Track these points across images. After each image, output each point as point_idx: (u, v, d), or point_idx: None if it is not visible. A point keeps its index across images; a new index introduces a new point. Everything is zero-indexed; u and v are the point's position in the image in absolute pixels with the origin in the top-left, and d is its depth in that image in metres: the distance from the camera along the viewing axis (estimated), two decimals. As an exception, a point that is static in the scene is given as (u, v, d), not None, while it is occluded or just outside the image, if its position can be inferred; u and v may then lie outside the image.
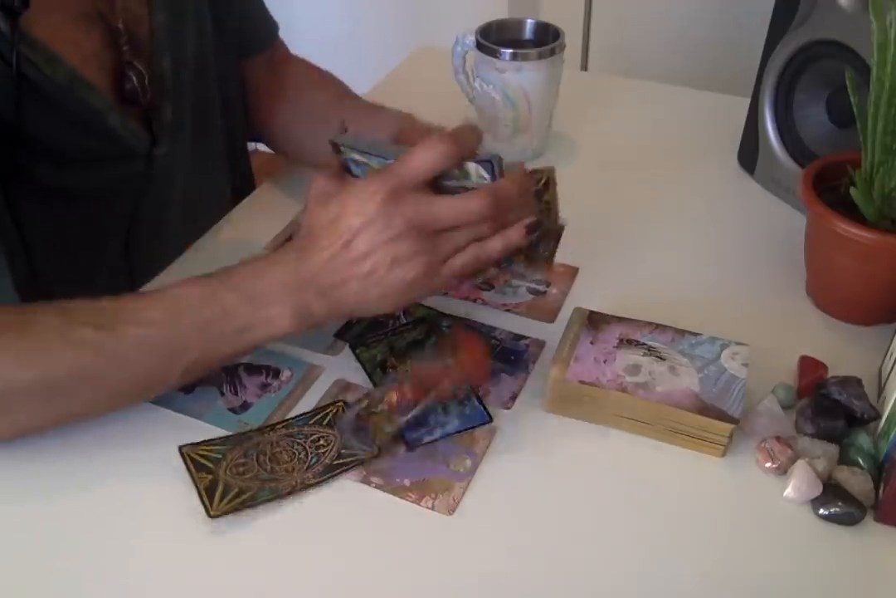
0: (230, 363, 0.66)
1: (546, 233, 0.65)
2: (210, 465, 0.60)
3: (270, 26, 0.92)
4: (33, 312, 0.59)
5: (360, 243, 0.58)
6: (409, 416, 0.61)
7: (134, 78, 0.72)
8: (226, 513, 0.57)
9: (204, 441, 0.62)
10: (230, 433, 0.63)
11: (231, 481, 0.59)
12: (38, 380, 0.57)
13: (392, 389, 0.62)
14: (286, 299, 0.60)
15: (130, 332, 0.58)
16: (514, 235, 0.60)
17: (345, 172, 0.63)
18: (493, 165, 0.58)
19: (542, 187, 0.64)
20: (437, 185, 0.59)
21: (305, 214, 0.61)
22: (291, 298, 0.60)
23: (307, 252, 0.60)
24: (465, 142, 0.58)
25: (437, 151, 0.57)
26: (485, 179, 0.59)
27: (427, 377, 0.63)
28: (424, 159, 0.57)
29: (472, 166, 0.59)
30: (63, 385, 0.58)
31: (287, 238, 0.82)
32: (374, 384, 0.67)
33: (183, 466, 0.61)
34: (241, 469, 0.60)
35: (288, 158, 0.93)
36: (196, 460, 0.61)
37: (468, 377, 0.63)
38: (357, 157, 0.61)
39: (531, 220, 0.61)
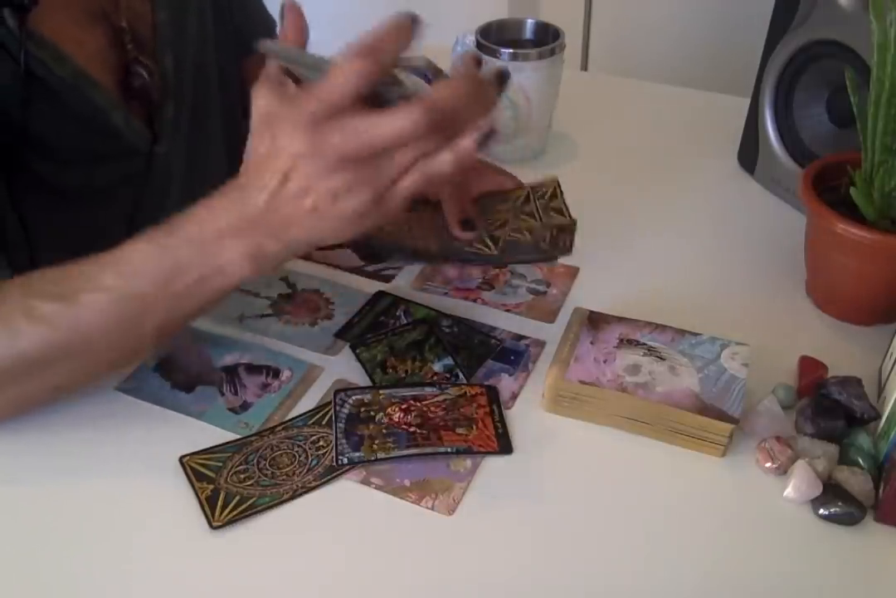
0: (201, 315, 0.63)
1: (561, 229, 0.65)
2: (211, 474, 0.60)
3: (269, 23, 0.92)
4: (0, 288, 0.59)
5: (296, 179, 0.54)
6: None
7: (144, 74, 0.72)
8: (227, 523, 0.57)
9: (204, 449, 0.62)
10: (230, 439, 0.63)
11: (232, 489, 0.59)
12: (13, 358, 0.57)
13: None
14: (237, 243, 0.57)
15: (88, 299, 0.57)
16: (465, 144, 0.53)
17: (285, 81, 0.57)
18: (426, 72, 0.54)
19: (548, 199, 0.64)
20: (375, 95, 0.53)
21: (248, 143, 0.58)
22: (242, 242, 0.57)
23: (247, 191, 0.57)
24: (387, 48, 0.52)
25: (354, 70, 0.51)
26: (421, 85, 0.54)
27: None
28: (344, 80, 0.51)
29: (405, 75, 0.53)
30: (35, 361, 0.58)
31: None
32: (374, 384, 0.67)
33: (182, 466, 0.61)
34: (241, 476, 0.60)
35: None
36: (196, 469, 0.61)
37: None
38: (286, 64, 0.57)
39: (484, 126, 0.53)
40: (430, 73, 0.54)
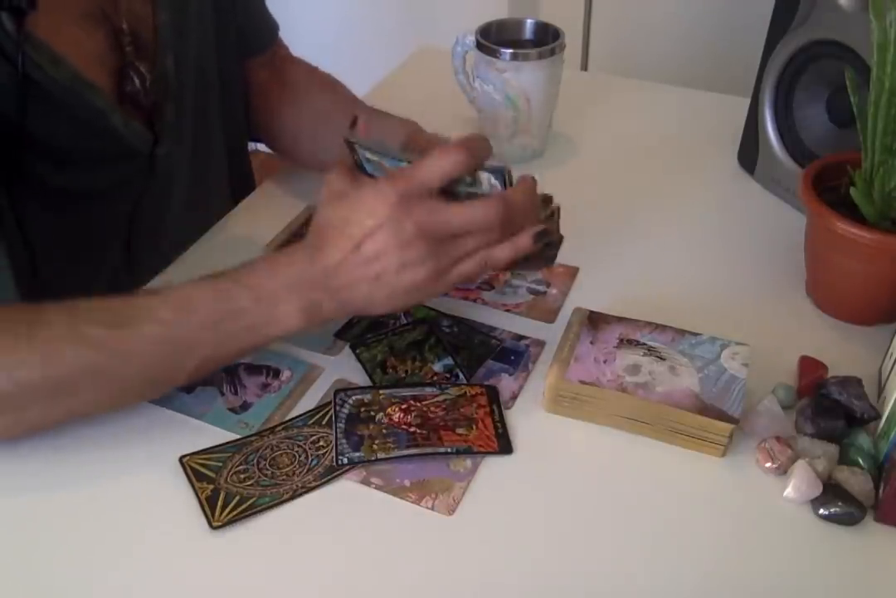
0: (239, 360, 0.66)
1: (548, 245, 0.66)
2: (211, 474, 0.60)
3: (271, 26, 0.92)
4: (43, 311, 0.59)
5: (371, 246, 0.58)
6: None
7: (136, 79, 0.72)
8: (227, 523, 0.57)
9: (204, 449, 0.62)
10: (230, 439, 0.63)
11: (232, 490, 0.59)
12: (47, 379, 0.57)
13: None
14: (296, 297, 0.60)
15: (142, 330, 0.59)
16: (523, 242, 0.61)
17: (358, 172, 0.63)
18: (503, 173, 0.59)
19: (544, 220, 0.65)
20: (447, 192, 0.60)
21: (318, 214, 0.61)
22: (302, 296, 0.60)
23: (318, 252, 0.60)
24: (477, 150, 0.58)
25: (450, 159, 0.58)
26: (495, 187, 0.60)
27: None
28: (439, 166, 0.58)
29: (483, 175, 0.60)
30: (72, 384, 0.58)
31: (287, 238, 0.82)
32: (374, 383, 0.67)
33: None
34: (241, 476, 0.60)
35: (287, 160, 0.93)
36: (196, 469, 0.61)
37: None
38: (371, 156, 0.62)
39: (539, 227, 0.61)
40: (506, 172, 0.59)
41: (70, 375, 0.58)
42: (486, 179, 0.60)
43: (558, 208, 0.68)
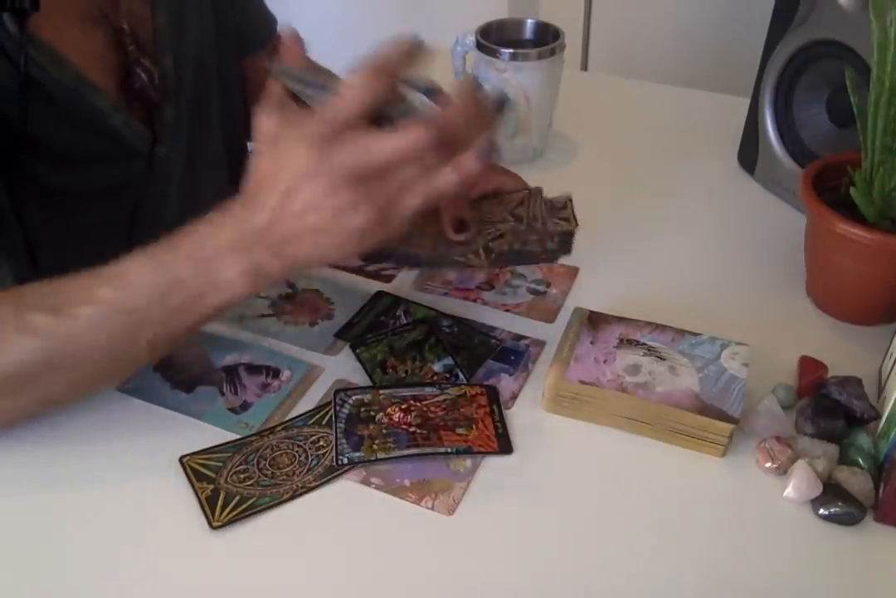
0: (196, 331, 0.63)
1: (563, 235, 0.66)
2: (211, 474, 0.60)
3: (270, 22, 0.92)
4: None
5: (300, 196, 0.55)
6: None
7: (143, 76, 0.72)
8: (227, 523, 0.57)
9: (204, 449, 0.62)
10: (230, 439, 0.63)
11: (232, 489, 0.59)
12: (4, 373, 0.57)
13: None
14: (235, 260, 0.57)
15: (83, 312, 0.57)
16: (467, 163, 0.54)
17: (289, 103, 0.59)
18: (433, 91, 0.55)
19: (559, 208, 0.65)
20: (380, 115, 0.55)
21: (252, 160, 0.58)
22: (241, 259, 0.57)
23: (249, 209, 0.57)
24: (395, 67, 0.54)
25: (364, 86, 0.53)
26: (429, 106, 0.56)
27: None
28: (352, 96, 0.53)
29: (412, 95, 0.55)
30: (26, 374, 0.57)
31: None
32: (374, 383, 0.67)
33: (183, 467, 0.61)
34: (241, 476, 0.60)
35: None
36: (196, 469, 0.61)
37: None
38: (294, 86, 0.58)
39: (484, 144, 0.55)
40: (432, 93, 0.55)
41: (24, 365, 0.57)
42: (417, 99, 0.55)
43: (570, 198, 0.66)
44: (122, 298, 0.58)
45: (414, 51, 0.54)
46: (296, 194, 0.55)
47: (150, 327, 0.58)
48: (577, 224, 0.66)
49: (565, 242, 0.66)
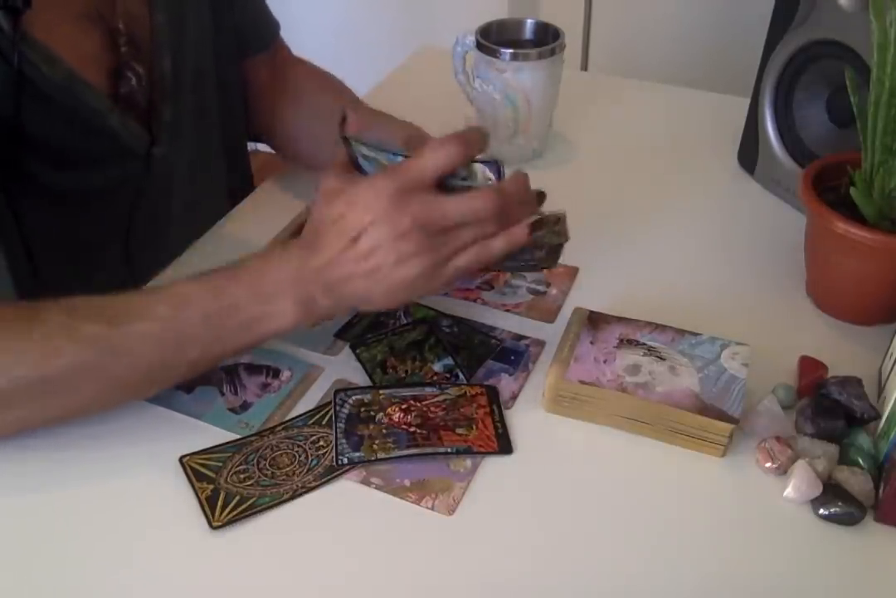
0: (237, 357, 0.66)
1: (556, 247, 0.66)
2: (211, 474, 0.60)
3: (271, 25, 0.92)
4: (38, 309, 0.59)
5: (367, 240, 0.58)
6: None
7: (133, 79, 0.72)
8: (227, 523, 0.57)
9: (204, 450, 0.62)
10: (230, 439, 0.63)
11: (232, 490, 0.59)
12: (44, 377, 0.57)
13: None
14: (291, 293, 0.60)
15: (136, 327, 0.59)
16: (518, 233, 0.60)
17: (354, 169, 0.63)
18: (497, 166, 0.60)
19: (552, 225, 0.66)
20: (443, 185, 0.60)
21: (312, 211, 0.61)
22: (296, 292, 0.60)
23: (313, 248, 0.60)
24: (472, 143, 0.58)
25: (445, 151, 0.58)
26: (490, 180, 0.60)
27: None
28: (433, 159, 0.58)
29: (478, 167, 0.60)
30: (69, 381, 0.58)
31: (287, 238, 0.82)
32: (374, 383, 0.67)
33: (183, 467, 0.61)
34: (241, 476, 0.60)
35: (288, 160, 0.93)
36: (196, 469, 0.61)
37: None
38: (367, 152, 0.62)
39: (534, 218, 0.61)
40: (500, 164, 0.60)
41: (67, 372, 0.58)
42: (481, 172, 0.60)
43: (565, 214, 0.67)
44: (179, 316, 0.59)
45: (483, 138, 0.59)
46: (364, 237, 0.58)
47: (196, 347, 0.60)
48: (567, 239, 0.67)
49: (553, 255, 0.67)
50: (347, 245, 0.58)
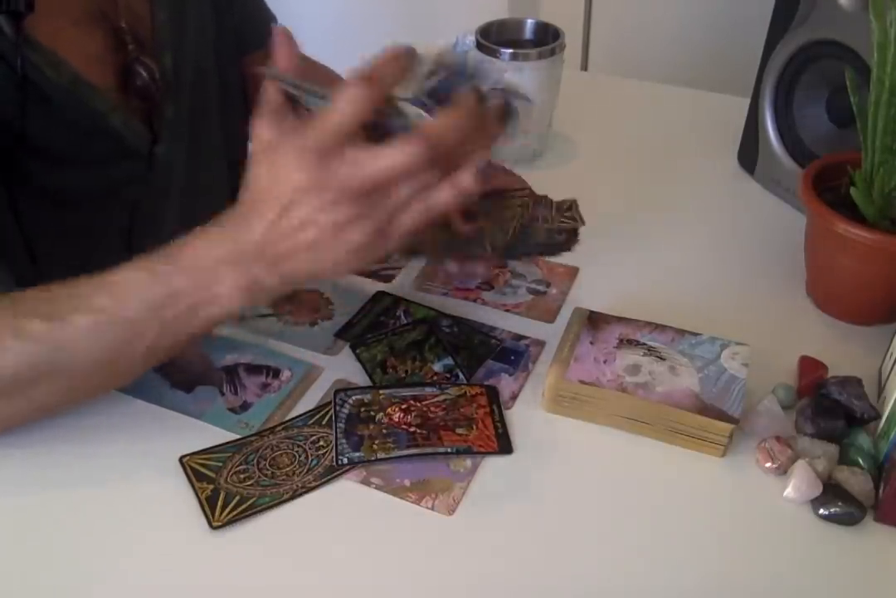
0: (192, 341, 0.62)
1: (572, 232, 0.66)
2: (211, 474, 0.60)
3: (269, 21, 0.92)
4: None
5: (298, 211, 0.54)
6: None
7: (144, 73, 0.72)
8: (227, 523, 0.57)
9: (204, 450, 0.62)
10: (230, 439, 0.63)
11: (232, 489, 0.59)
12: None
13: None
14: (232, 274, 0.57)
15: (77, 321, 0.57)
16: (464, 179, 0.54)
17: (287, 109, 0.57)
18: (423, 102, 0.54)
19: (565, 209, 0.66)
20: (377, 127, 0.54)
21: (249, 170, 0.57)
22: (238, 272, 0.57)
23: (247, 222, 0.57)
24: (386, 75, 0.52)
25: (356, 100, 0.51)
26: (422, 116, 0.54)
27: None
28: (345, 107, 0.52)
29: (404, 105, 0.54)
30: (22, 380, 0.57)
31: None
32: (374, 383, 0.67)
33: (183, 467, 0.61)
34: (241, 476, 0.60)
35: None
36: (196, 469, 0.61)
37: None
38: (289, 90, 0.57)
39: (481, 160, 0.54)
40: (434, 102, 0.54)
41: (18, 371, 0.57)
42: (414, 112, 0.54)
43: (576, 201, 0.67)
44: (118, 307, 0.57)
45: (407, 61, 0.53)
46: (294, 209, 0.54)
47: (145, 337, 0.58)
48: (583, 223, 0.66)
49: (570, 239, 0.66)
50: (280, 216, 0.55)
